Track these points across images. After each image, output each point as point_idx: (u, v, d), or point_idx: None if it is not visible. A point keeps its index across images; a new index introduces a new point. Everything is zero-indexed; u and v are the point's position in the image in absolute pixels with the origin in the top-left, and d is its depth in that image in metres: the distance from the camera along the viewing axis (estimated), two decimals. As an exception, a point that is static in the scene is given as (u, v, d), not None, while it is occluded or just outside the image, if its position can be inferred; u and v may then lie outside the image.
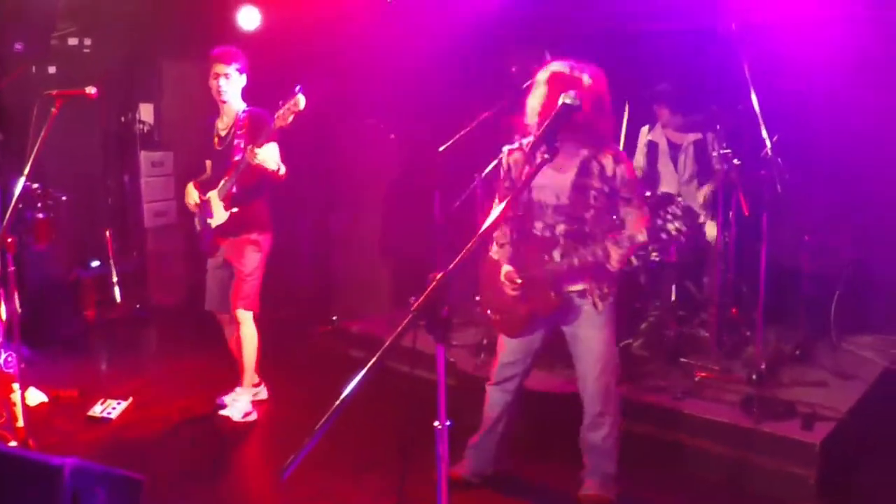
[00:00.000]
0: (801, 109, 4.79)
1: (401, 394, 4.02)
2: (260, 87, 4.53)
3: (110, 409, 4.68)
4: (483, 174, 4.86)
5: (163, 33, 6.48)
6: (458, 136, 4.77)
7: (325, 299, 6.59)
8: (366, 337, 5.66)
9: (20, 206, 3.89)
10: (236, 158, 4.33)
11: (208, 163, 4.66)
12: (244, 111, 4.44)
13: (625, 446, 3.60)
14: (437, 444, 2.08)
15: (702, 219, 5.01)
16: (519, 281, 3.43)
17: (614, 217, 3.39)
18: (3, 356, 4.17)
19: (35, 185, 5.71)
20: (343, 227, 6.69)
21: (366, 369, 1.93)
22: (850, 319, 4.97)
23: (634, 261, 4.80)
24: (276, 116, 4.03)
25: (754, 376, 4.20)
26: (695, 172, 5.19)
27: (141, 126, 7.12)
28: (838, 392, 4.29)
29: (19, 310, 3.95)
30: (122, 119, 7.11)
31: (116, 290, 6.68)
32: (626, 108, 5.22)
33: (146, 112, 7.14)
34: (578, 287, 3.43)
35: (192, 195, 4.61)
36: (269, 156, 4.21)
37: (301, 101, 3.95)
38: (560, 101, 2.59)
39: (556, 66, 3.31)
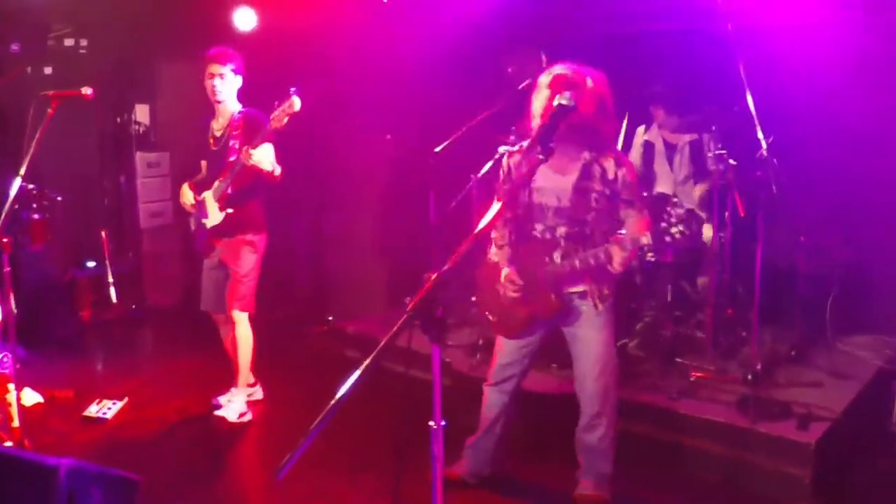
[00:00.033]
0: (796, 110, 4.79)
1: (396, 394, 3.97)
2: (256, 87, 4.53)
3: (106, 409, 4.68)
4: (479, 175, 4.86)
5: (159, 34, 6.46)
6: (453, 136, 4.76)
7: (320, 299, 6.59)
8: (361, 337, 5.66)
9: (16, 206, 3.90)
10: (231, 159, 4.33)
11: (203, 163, 4.65)
12: (239, 112, 4.44)
13: (620, 446, 3.60)
14: (432, 444, 2.09)
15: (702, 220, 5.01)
16: (519, 283, 3.43)
17: (615, 219, 3.39)
18: (-1, 357, 4.18)
19: (31, 186, 5.71)
20: (338, 228, 6.69)
21: (361, 369, 1.93)
22: (845, 320, 4.97)
23: (633, 262, 4.80)
24: (271, 118, 4.04)
25: (750, 376, 4.19)
26: (690, 173, 5.19)
27: (137, 127, 7.12)
28: (833, 392, 4.29)
29: (15, 310, 3.95)
30: (118, 120, 7.11)
31: (112, 290, 6.67)
32: (626, 115, 5.23)
33: (142, 113, 7.15)
34: (579, 288, 3.43)
35: (188, 196, 4.61)
36: (264, 157, 4.21)
37: (296, 102, 3.95)
38: (555, 102, 2.60)
39: (559, 69, 3.31)
